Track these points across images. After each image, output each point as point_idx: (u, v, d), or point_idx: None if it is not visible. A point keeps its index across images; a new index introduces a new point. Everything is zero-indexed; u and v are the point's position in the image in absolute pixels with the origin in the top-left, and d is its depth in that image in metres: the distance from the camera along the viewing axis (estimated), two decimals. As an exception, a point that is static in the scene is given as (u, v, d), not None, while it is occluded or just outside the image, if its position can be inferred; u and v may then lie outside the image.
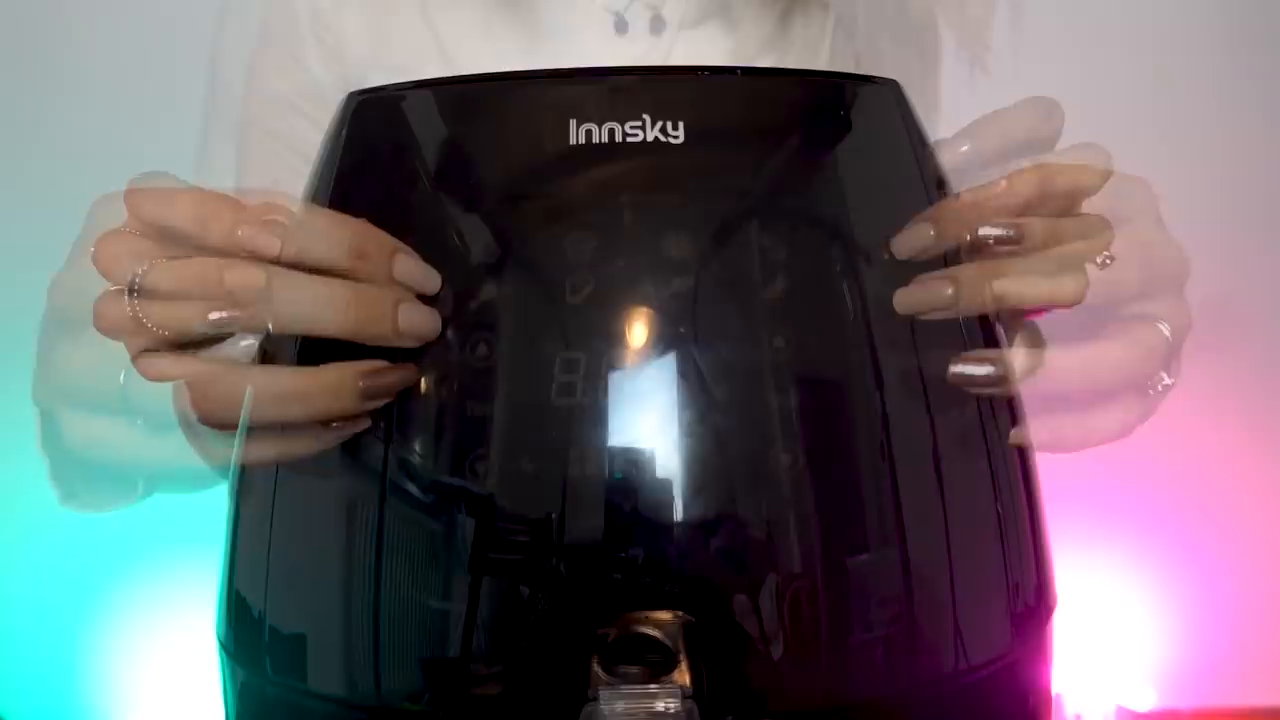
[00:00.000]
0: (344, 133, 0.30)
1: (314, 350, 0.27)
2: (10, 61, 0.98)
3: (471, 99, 0.30)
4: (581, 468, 0.26)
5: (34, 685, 1.09)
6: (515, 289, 0.28)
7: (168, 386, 0.27)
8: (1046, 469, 0.30)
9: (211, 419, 0.27)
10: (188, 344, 0.27)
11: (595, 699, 0.25)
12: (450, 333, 0.27)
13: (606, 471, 0.26)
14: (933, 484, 0.27)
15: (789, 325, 0.27)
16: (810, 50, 0.54)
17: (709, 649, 0.25)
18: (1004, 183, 0.29)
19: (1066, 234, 0.29)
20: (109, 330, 0.27)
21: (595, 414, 0.26)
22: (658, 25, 0.52)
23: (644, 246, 0.28)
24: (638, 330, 0.27)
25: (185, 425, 0.28)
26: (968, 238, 0.28)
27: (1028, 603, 0.28)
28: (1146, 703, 1.15)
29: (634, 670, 0.25)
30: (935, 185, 0.30)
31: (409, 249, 0.27)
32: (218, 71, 0.61)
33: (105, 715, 1.11)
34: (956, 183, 0.30)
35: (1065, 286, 0.28)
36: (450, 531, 0.26)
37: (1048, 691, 0.29)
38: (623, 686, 0.25)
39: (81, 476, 0.34)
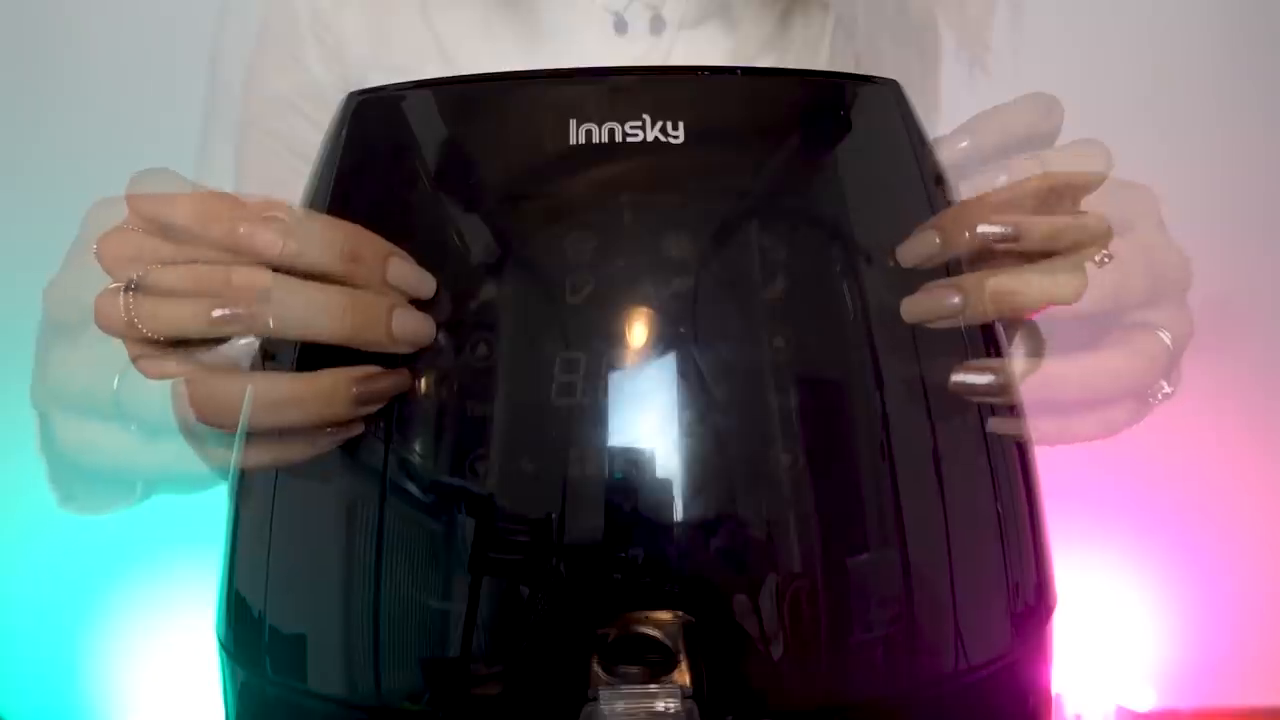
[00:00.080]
0: (344, 133, 0.30)
1: (312, 355, 0.27)
2: (10, 61, 0.98)
3: (471, 99, 0.30)
4: (581, 468, 0.26)
5: (34, 685, 1.09)
6: (515, 289, 0.28)
7: (161, 392, 0.27)
8: (1046, 469, 0.30)
9: (211, 420, 0.27)
10: (185, 347, 0.27)
11: (595, 699, 0.25)
12: (451, 333, 0.27)
13: (606, 471, 0.26)
14: (932, 484, 0.27)
15: (789, 325, 0.27)
16: (810, 50, 0.54)
17: (709, 649, 0.25)
18: (1004, 176, 0.29)
19: (1065, 232, 0.29)
20: (109, 327, 0.27)
21: (595, 414, 0.26)
22: (658, 25, 0.52)
23: (644, 246, 0.28)
24: (638, 330, 0.27)
25: (184, 428, 0.28)
26: (967, 237, 0.28)
27: (1028, 603, 0.28)
28: (1146, 703, 1.15)
29: (634, 670, 0.25)
30: (935, 185, 0.30)
31: (403, 253, 0.27)
32: (218, 71, 0.61)
33: (105, 715, 1.11)
34: (956, 179, 0.30)
35: (1064, 285, 0.28)
36: (450, 531, 0.26)
37: (1048, 691, 0.29)
38: (623, 686, 0.25)
39: (79, 479, 0.34)
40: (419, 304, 0.27)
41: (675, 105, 0.29)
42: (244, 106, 0.57)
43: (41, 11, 0.98)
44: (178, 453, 0.29)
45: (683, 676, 0.25)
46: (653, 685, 0.25)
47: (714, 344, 0.27)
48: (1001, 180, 0.29)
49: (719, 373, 0.26)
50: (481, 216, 0.29)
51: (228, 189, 0.29)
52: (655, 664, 0.25)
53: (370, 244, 0.27)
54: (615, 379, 0.26)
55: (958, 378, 0.27)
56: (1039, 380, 0.29)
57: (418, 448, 0.27)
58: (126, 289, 0.26)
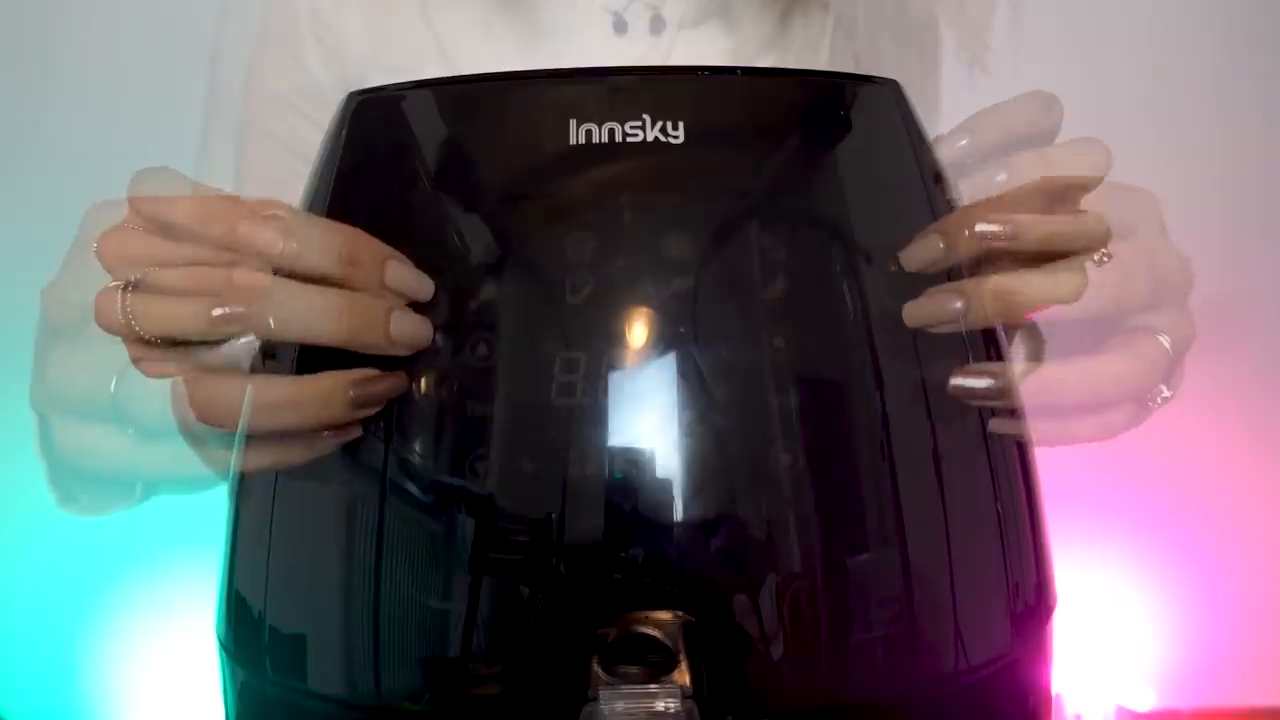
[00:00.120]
0: (344, 133, 0.30)
1: (311, 358, 0.27)
2: (10, 61, 0.98)
3: (471, 99, 0.30)
4: (581, 468, 0.26)
5: (34, 685, 1.09)
6: (515, 289, 0.28)
7: (159, 395, 0.27)
8: (1046, 469, 0.30)
9: (211, 421, 0.27)
10: (185, 348, 0.27)
11: (595, 699, 0.25)
12: (451, 333, 0.27)
13: (606, 471, 0.26)
14: (932, 484, 0.27)
15: (789, 325, 0.27)
16: (810, 50, 0.55)
17: (709, 649, 0.25)
18: (1003, 175, 0.29)
19: (1063, 232, 0.29)
20: (108, 326, 0.27)
21: (595, 414, 0.26)
22: (657, 25, 0.52)
23: (644, 246, 0.28)
24: (638, 330, 0.27)
25: (185, 429, 0.28)
26: (967, 235, 0.28)
27: (1028, 603, 0.28)
28: (1146, 703, 1.15)
29: (634, 670, 0.25)
30: (935, 185, 0.30)
31: (401, 256, 0.27)
32: (218, 71, 0.61)
33: (105, 715, 1.11)
34: (956, 178, 0.30)
35: (1064, 284, 0.28)
36: (450, 531, 0.26)
37: (1048, 691, 0.29)
38: (623, 686, 0.25)
39: (79, 480, 0.34)
40: (418, 306, 0.27)
41: (675, 105, 0.29)
42: (244, 106, 0.57)
43: (41, 11, 0.98)
44: (175, 455, 0.29)
45: (683, 676, 0.25)
46: (653, 685, 0.25)
47: (714, 344, 0.27)
48: (1001, 178, 0.29)
49: (719, 373, 0.26)
50: (481, 216, 0.29)
51: (228, 189, 0.29)
52: (655, 664, 0.25)
53: (368, 247, 0.27)
54: (615, 379, 0.26)
55: (957, 381, 0.27)
56: (1039, 383, 0.29)
57: (418, 448, 0.27)
58: (126, 288, 0.26)
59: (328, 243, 0.26)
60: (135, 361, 0.27)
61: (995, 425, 0.28)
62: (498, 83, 0.30)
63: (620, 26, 0.52)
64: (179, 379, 0.28)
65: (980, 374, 0.28)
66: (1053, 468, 0.30)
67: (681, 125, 0.28)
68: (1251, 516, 1.13)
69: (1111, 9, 1.02)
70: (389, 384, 0.27)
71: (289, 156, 0.54)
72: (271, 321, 0.26)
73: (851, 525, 0.26)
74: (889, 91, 0.30)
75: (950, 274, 0.28)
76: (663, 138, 0.28)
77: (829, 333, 0.28)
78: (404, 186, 0.29)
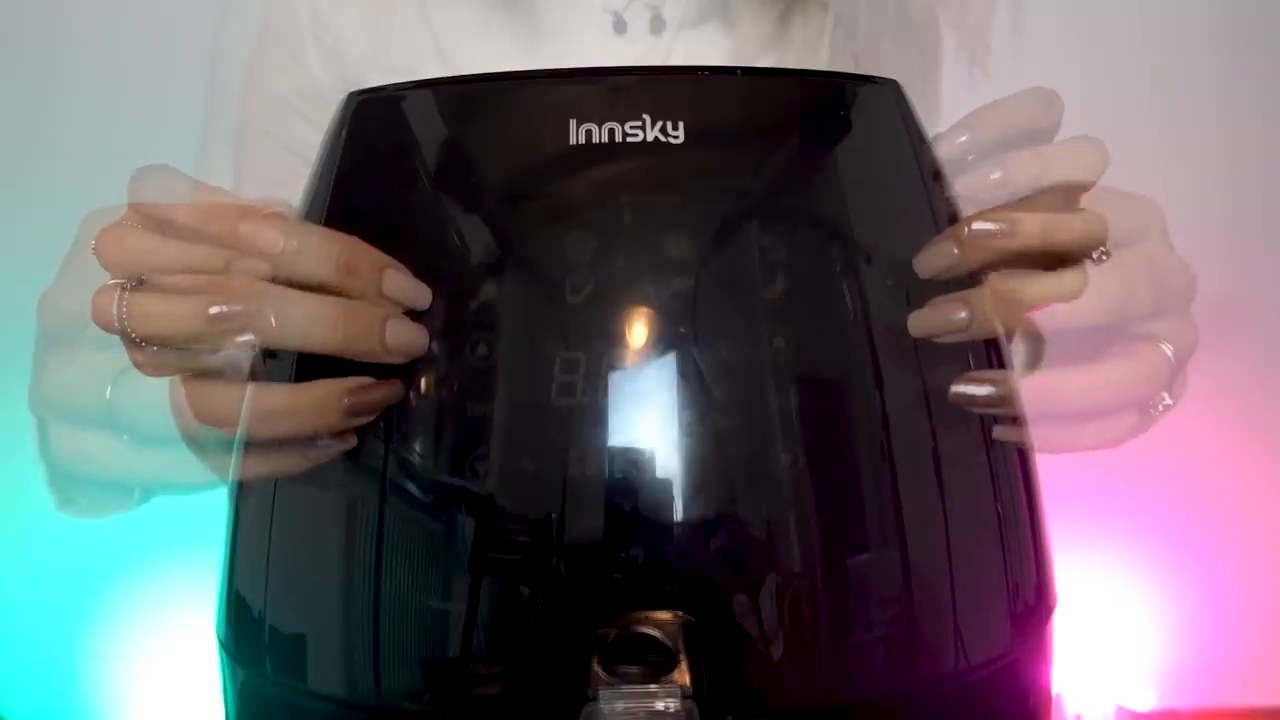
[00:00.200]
0: (344, 133, 0.30)
1: (309, 365, 0.27)
2: (10, 61, 0.98)
3: (471, 99, 0.30)
4: (581, 468, 0.26)
5: (34, 685, 1.09)
6: (515, 289, 0.28)
7: (153, 402, 0.27)
8: (1046, 469, 0.30)
9: (211, 422, 0.27)
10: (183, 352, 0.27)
11: (595, 699, 0.25)
12: (451, 333, 0.27)
13: (606, 471, 0.26)
14: (932, 484, 0.27)
15: (789, 325, 0.27)
16: (810, 50, 0.55)
17: (709, 649, 0.25)
18: (998, 172, 0.29)
19: (1061, 229, 0.29)
20: (106, 325, 0.27)
21: (595, 414, 0.26)
22: (657, 25, 0.52)
23: (644, 246, 0.28)
24: (638, 330, 0.27)
25: (184, 432, 0.28)
26: (967, 233, 0.28)
27: (1027, 603, 0.28)
28: (1146, 703, 1.15)
29: (634, 670, 0.25)
30: (935, 185, 0.30)
31: (399, 264, 0.27)
32: (218, 71, 0.61)
33: (105, 715, 1.11)
34: (954, 174, 0.30)
35: (1065, 282, 0.28)
36: (450, 531, 0.26)
37: (1048, 691, 0.29)
38: (623, 686, 0.25)
39: (77, 484, 0.34)
40: (414, 316, 0.27)
41: (675, 105, 0.29)
42: (243, 107, 0.57)
43: (41, 11, 0.98)
44: (171, 461, 0.29)
45: (683, 676, 0.25)
46: (653, 685, 0.25)
47: (714, 344, 0.27)
48: (996, 176, 0.29)
49: (719, 373, 0.26)
50: (481, 216, 0.29)
51: (227, 189, 0.29)
52: (655, 664, 0.25)
53: (366, 255, 0.27)
54: (615, 379, 0.26)
55: (957, 389, 0.27)
56: (1040, 390, 0.29)
57: (418, 448, 0.27)
58: (124, 288, 0.26)
59: (325, 251, 0.26)
60: (137, 366, 0.27)
61: (998, 433, 0.28)
62: (498, 83, 0.30)
63: (620, 26, 0.52)
64: (178, 381, 0.28)
65: (981, 381, 0.28)
66: (1053, 468, 0.30)
67: (681, 125, 0.28)
68: (1251, 516, 1.13)
69: (1111, 9, 1.02)
70: (385, 393, 0.27)
71: (288, 157, 0.54)
72: (272, 319, 0.26)
73: (851, 525, 0.26)
74: (889, 91, 0.30)
75: (951, 284, 0.28)
76: (663, 138, 0.28)
77: (829, 333, 0.28)
78: (404, 186, 0.29)
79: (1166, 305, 0.30)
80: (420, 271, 0.28)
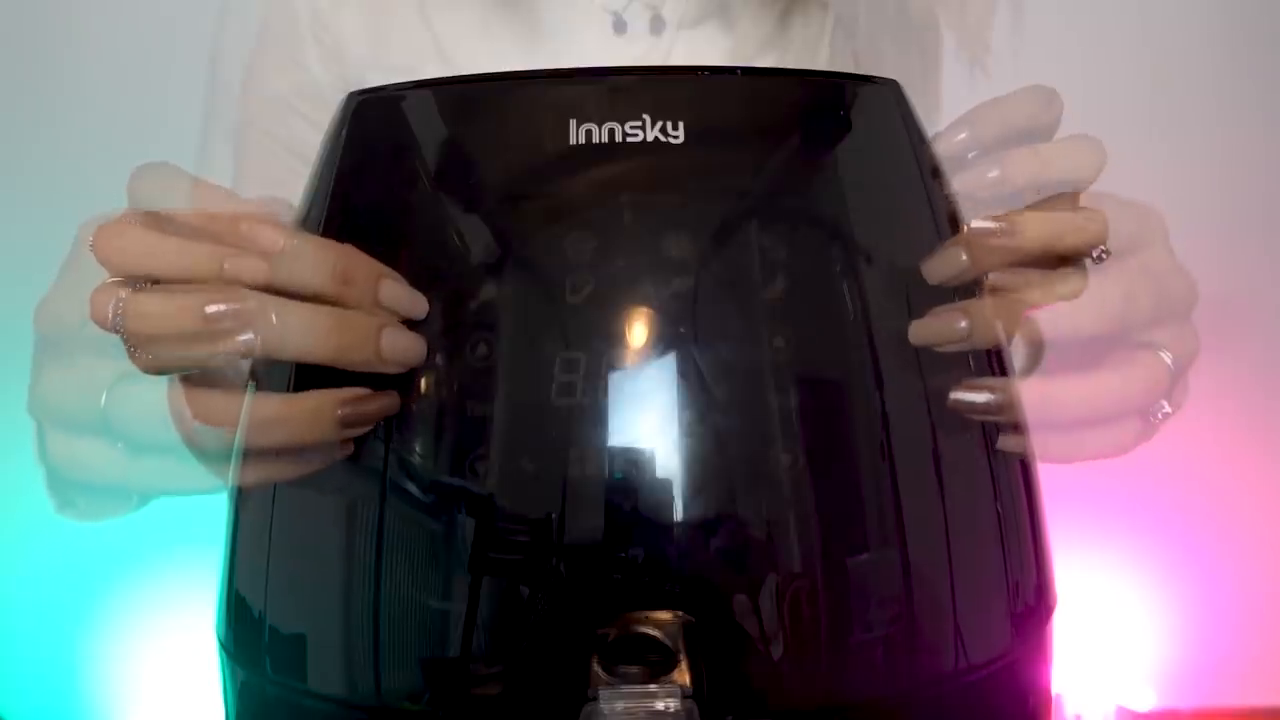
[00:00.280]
0: (344, 133, 0.30)
1: (307, 374, 0.27)
2: (10, 61, 0.98)
3: (471, 99, 0.30)
4: (581, 468, 0.26)
5: (34, 685, 1.09)
6: (515, 289, 0.28)
7: (148, 411, 0.27)
8: (1046, 469, 0.30)
9: (211, 422, 0.27)
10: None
11: (595, 699, 0.25)
12: (451, 333, 0.27)
13: (606, 471, 0.26)
14: (933, 484, 0.27)
15: (789, 325, 0.27)
16: (810, 50, 0.55)
17: (709, 649, 0.25)
18: (996, 171, 0.29)
19: (1061, 228, 0.28)
20: (103, 322, 0.26)
21: (595, 414, 0.26)
22: (657, 25, 0.52)
23: (644, 246, 0.28)
24: (638, 330, 0.27)
25: (184, 435, 0.28)
26: (966, 230, 0.28)
27: (1028, 602, 0.28)
28: (1146, 703, 1.15)
29: (634, 670, 0.25)
30: (936, 185, 0.30)
31: (396, 274, 0.27)
32: (218, 71, 0.61)
33: (105, 715, 1.11)
34: (953, 172, 0.30)
35: (1064, 280, 0.28)
36: (450, 531, 0.26)
37: (1048, 691, 0.29)
38: (623, 686, 0.25)
39: (76, 487, 0.34)
40: (411, 325, 0.27)
41: (675, 105, 0.29)
42: (242, 107, 0.57)
43: (41, 11, 0.98)
44: (166, 469, 0.29)
45: (683, 676, 0.25)
46: (653, 685, 0.25)
47: (714, 344, 0.27)
48: (994, 175, 0.29)
49: (719, 373, 0.26)
50: (481, 216, 0.29)
51: (228, 187, 0.29)
52: (655, 664, 0.25)
53: (362, 265, 0.27)
54: (615, 379, 0.26)
55: (957, 395, 0.27)
56: (1040, 398, 0.29)
57: (418, 448, 0.27)
58: (122, 287, 0.26)
59: (321, 260, 0.26)
60: (133, 361, 0.27)
61: (1002, 444, 0.28)
62: (498, 83, 0.30)
63: (620, 26, 0.52)
64: (177, 382, 0.28)
65: (981, 388, 0.28)
66: (1053, 468, 0.30)
67: (681, 125, 0.28)
68: (1251, 516, 1.13)
69: (1111, 10, 1.02)
70: (381, 404, 0.26)
71: (288, 157, 0.54)
72: (273, 317, 0.26)
73: (851, 525, 0.26)
74: (889, 91, 0.30)
75: (953, 289, 0.28)
76: (663, 138, 0.28)
77: (829, 333, 0.28)
78: (404, 186, 0.29)
79: (1167, 313, 0.30)
80: (420, 271, 0.28)
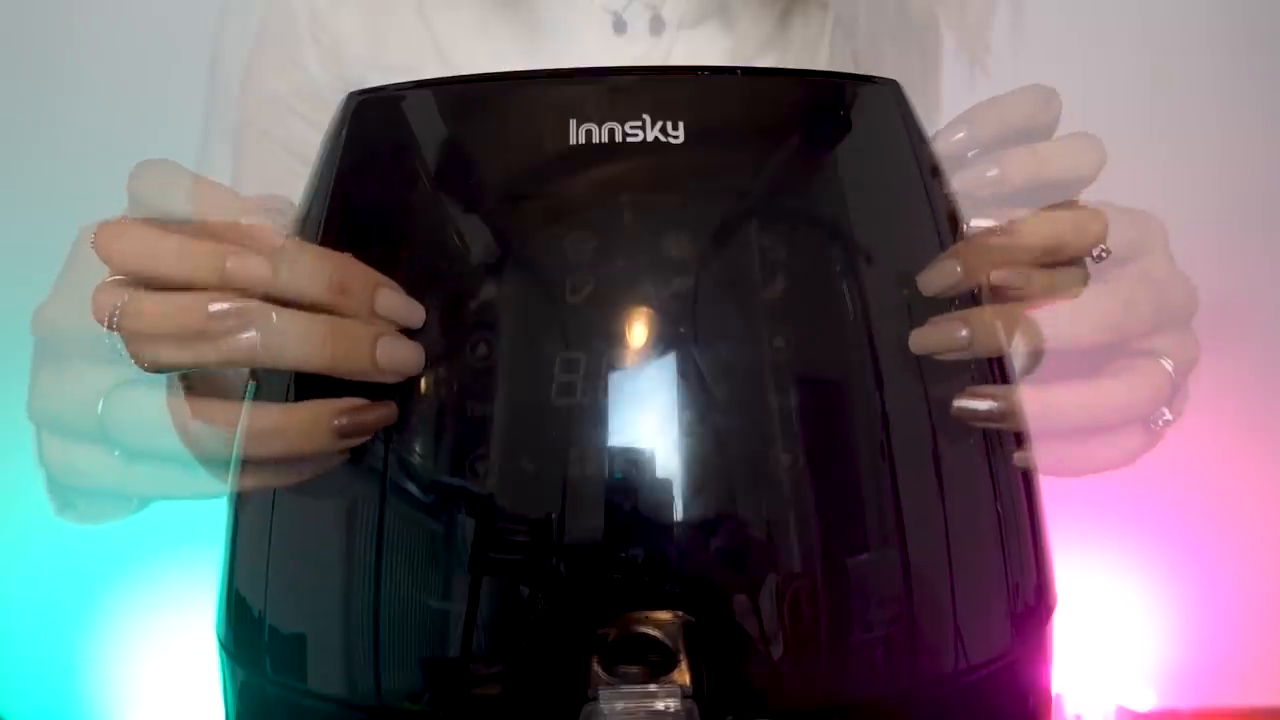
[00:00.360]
0: (344, 133, 0.30)
1: (306, 382, 0.27)
2: (10, 61, 0.98)
3: (471, 99, 0.30)
4: (581, 468, 0.26)
5: (34, 685, 1.09)
6: (515, 289, 0.28)
7: (145, 418, 0.27)
8: (1046, 469, 0.30)
9: (211, 421, 0.27)
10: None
11: (595, 699, 0.25)
12: (451, 333, 0.27)
13: (606, 471, 0.26)
14: (933, 484, 0.27)
15: (789, 325, 0.27)
16: (809, 50, 0.55)
17: (709, 649, 0.25)
18: (995, 170, 0.29)
19: (1060, 227, 0.28)
20: (106, 321, 0.26)
21: (595, 414, 0.26)
22: (657, 25, 0.53)
23: (644, 246, 0.28)
24: (638, 330, 0.27)
25: (183, 436, 0.28)
26: (965, 230, 0.28)
27: (1027, 603, 0.28)
28: (1146, 703, 1.15)
29: (634, 670, 0.25)
30: (936, 185, 0.30)
31: (393, 283, 0.27)
32: (218, 72, 0.61)
33: (105, 715, 1.11)
34: (952, 171, 0.30)
35: (1065, 278, 0.28)
36: (450, 531, 0.26)
37: (1048, 691, 0.29)
38: (623, 686, 0.25)
39: (75, 491, 0.34)
40: (408, 334, 0.27)
41: (675, 105, 0.29)
42: (241, 107, 0.57)
43: (41, 12, 0.98)
44: (161, 476, 0.29)
45: (683, 676, 0.25)
46: (653, 685, 0.25)
47: (714, 344, 0.27)
48: (993, 174, 0.29)
49: (719, 373, 0.26)
50: (481, 216, 0.29)
51: (227, 185, 0.29)
52: (655, 664, 0.25)
53: (359, 274, 0.27)
54: (615, 379, 0.26)
55: (960, 403, 0.27)
56: (1041, 407, 0.29)
57: (418, 447, 0.27)
58: (123, 286, 0.26)
59: (317, 270, 0.26)
60: (133, 357, 0.27)
61: (1015, 459, 0.28)
62: (498, 83, 0.30)
63: (620, 27, 0.52)
64: (176, 384, 0.28)
65: (983, 396, 0.28)
66: (1053, 468, 0.30)
67: (681, 125, 0.28)
68: (1251, 516, 1.13)
69: (1111, 9, 1.02)
70: (379, 414, 0.26)
71: (287, 157, 0.54)
72: (274, 316, 0.26)
73: (851, 525, 0.26)
74: (889, 91, 0.30)
75: (956, 301, 0.28)
76: (663, 138, 0.28)
77: (829, 333, 0.28)
78: (404, 186, 0.29)
79: (1168, 320, 0.30)
80: (420, 271, 0.28)
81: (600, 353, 0.26)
